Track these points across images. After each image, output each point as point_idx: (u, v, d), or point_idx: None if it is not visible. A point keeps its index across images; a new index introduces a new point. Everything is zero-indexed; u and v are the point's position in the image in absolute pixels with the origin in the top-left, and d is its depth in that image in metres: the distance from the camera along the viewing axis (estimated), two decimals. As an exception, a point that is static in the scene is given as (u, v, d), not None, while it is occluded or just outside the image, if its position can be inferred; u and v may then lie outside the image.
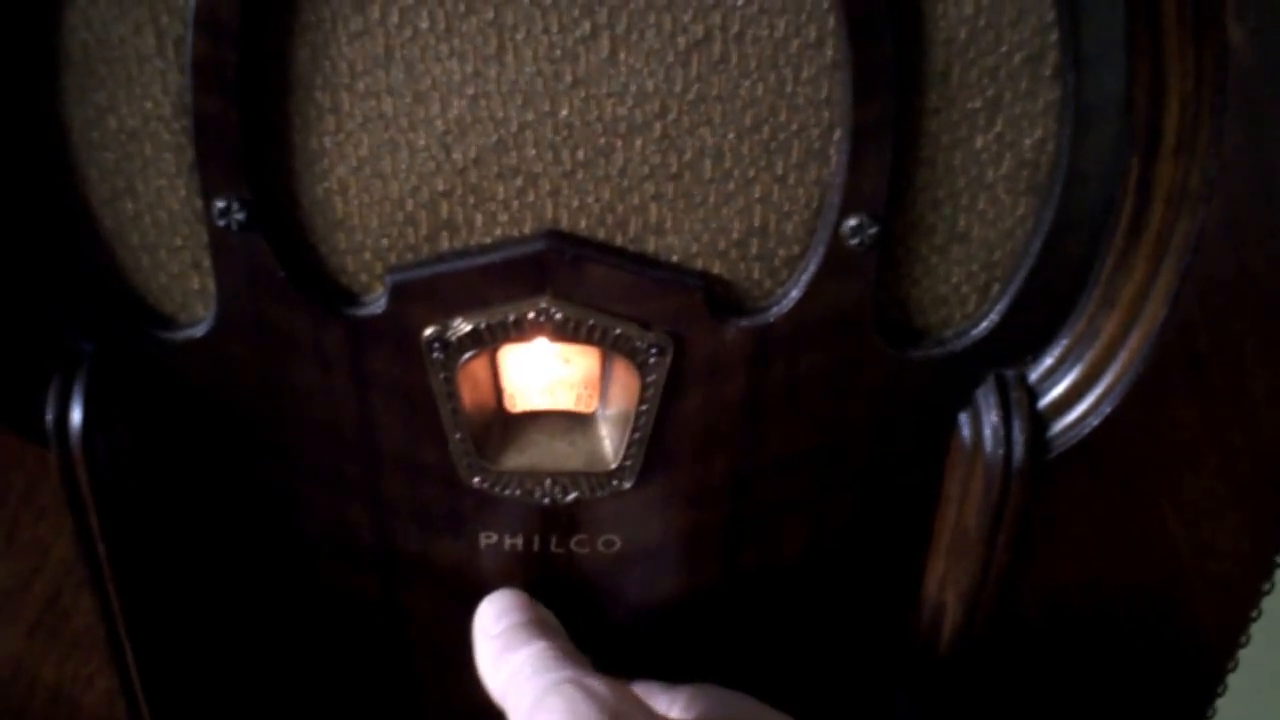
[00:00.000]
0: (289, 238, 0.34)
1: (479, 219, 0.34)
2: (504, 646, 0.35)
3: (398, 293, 0.34)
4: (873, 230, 0.33)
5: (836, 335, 0.35)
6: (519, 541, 0.39)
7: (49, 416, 0.35)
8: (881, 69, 0.31)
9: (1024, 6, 0.31)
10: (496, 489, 0.38)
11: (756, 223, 0.34)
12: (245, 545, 0.39)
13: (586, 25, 0.31)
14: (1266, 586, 0.37)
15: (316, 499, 0.38)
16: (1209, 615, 0.38)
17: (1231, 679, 0.39)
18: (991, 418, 0.35)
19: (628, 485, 0.37)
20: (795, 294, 0.34)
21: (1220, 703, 0.40)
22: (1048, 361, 0.36)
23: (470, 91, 0.32)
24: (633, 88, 0.32)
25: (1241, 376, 0.34)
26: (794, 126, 0.33)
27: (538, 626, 0.36)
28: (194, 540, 0.39)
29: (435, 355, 0.35)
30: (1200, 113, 0.31)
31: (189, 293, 0.35)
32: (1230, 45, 0.29)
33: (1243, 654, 0.39)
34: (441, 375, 0.35)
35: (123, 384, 0.36)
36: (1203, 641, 0.39)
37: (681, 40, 0.32)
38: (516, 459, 0.37)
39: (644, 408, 0.36)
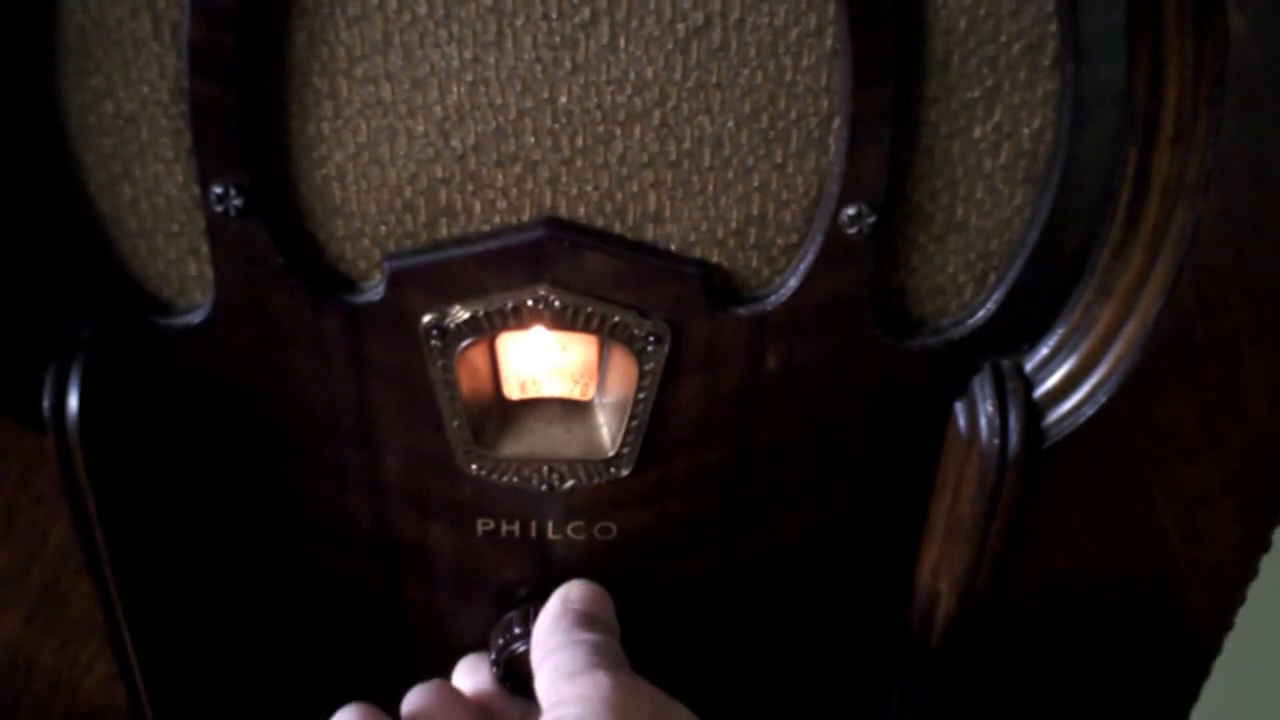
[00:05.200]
0: (287, 224, 0.34)
1: (478, 206, 0.34)
2: (574, 623, 0.35)
3: (396, 279, 0.34)
4: (871, 219, 0.33)
5: (834, 324, 0.35)
6: (516, 528, 0.39)
7: (46, 402, 0.35)
8: (881, 58, 0.31)
9: (1024, -4, 0.31)
10: (494, 476, 0.38)
11: (755, 211, 0.34)
12: (243, 531, 0.39)
13: (586, 11, 0.31)
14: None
15: (315, 485, 0.38)
16: (1199, 601, 0.38)
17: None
18: (987, 407, 0.36)
19: (625, 473, 0.38)
20: (793, 283, 0.34)
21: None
22: (1044, 351, 0.36)
23: (469, 78, 0.32)
24: (632, 75, 0.32)
25: (1236, 367, 0.34)
26: (793, 115, 0.33)
27: (605, 627, 0.35)
28: (192, 526, 0.39)
29: (433, 342, 0.35)
30: (1199, 103, 0.31)
31: (187, 279, 0.35)
32: (1230, 35, 0.29)
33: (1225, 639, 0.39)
34: (440, 362, 0.35)
35: (120, 370, 0.36)
36: (1192, 627, 0.39)
37: (681, 27, 0.31)
38: (514, 446, 0.38)
39: (641, 395, 0.36)
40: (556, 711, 0.31)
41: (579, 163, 0.33)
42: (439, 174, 0.33)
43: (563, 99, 0.32)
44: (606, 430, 0.38)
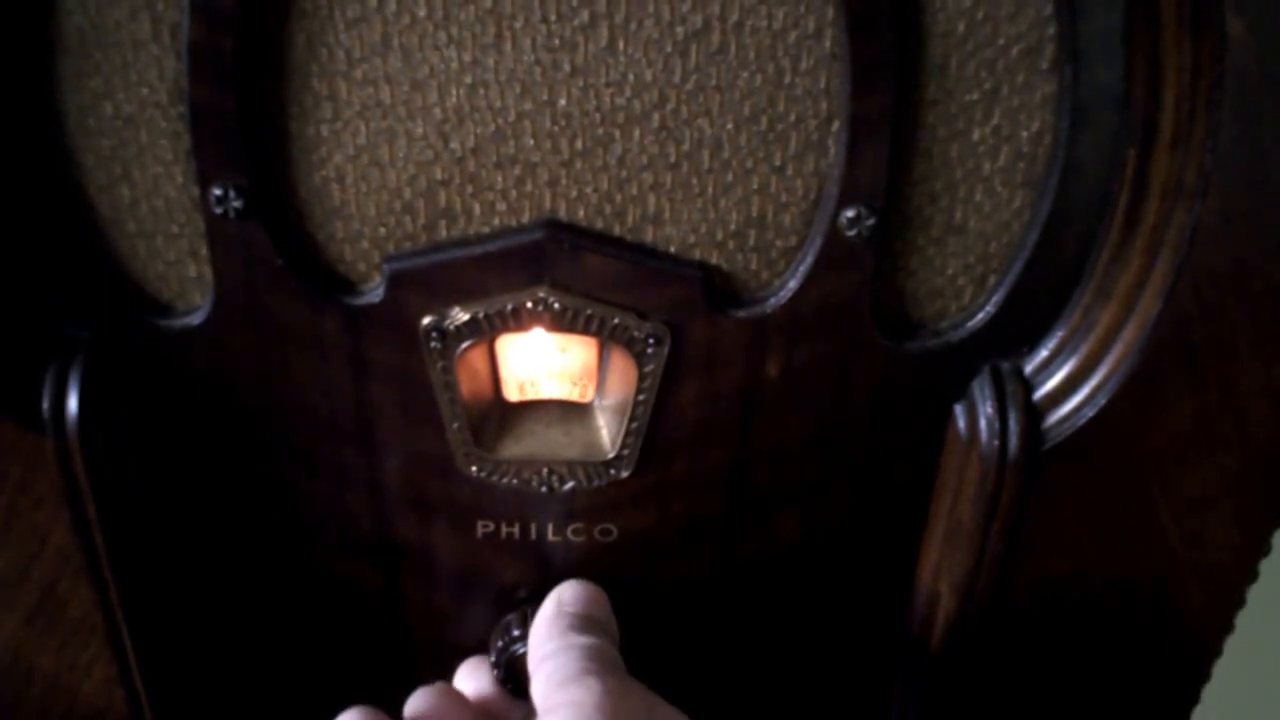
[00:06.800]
0: (287, 225, 0.34)
1: (477, 208, 0.34)
2: (568, 626, 0.35)
3: (395, 281, 0.34)
4: (870, 222, 0.33)
5: (833, 327, 0.35)
6: (515, 530, 0.39)
7: (45, 404, 0.35)
8: (880, 61, 0.31)
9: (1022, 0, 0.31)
10: (494, 478, 0.38)
11: (754, 213, 0.34)
12: (243, 533, 0.39)
13: (585, 14, 0.31)
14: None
15: (315, 487, 0.38)
16: (1199, 603, 0.38)
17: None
18: (987, 409, 0.36)
19: (624, 474, 0.38)
20: (793, 285, 0.34)
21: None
22: (1043, 354, 0.36)
23: (468, 80, 0.32)
24: (631, 77, 0.32)
25: (1235, 369, 0.34)
26: (792, 117, 0.33)
27: (600, 627, 0.36)
28: (192, 528, 0.39)
29: (433, 344, 0.35)
30: (1197, 106, 0.31)
31: (186, 280, 0.35)
32: (1228, 38, 0.29)
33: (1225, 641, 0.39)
34: (439, 364, 0.35)
35: (120, 372, 0.36)
36: (1192, 629, 0.39)
37: (680, 30, 0.32)
38: (514, 448, 0.38)
39: (641, 398, 0.36)
40: (549, 718, 0.31)
41: (578, 165, 0.33)
42: (438, 176, 0.34)
43: (562, 101, 0.32)
44: (606, 432, 0.38)
